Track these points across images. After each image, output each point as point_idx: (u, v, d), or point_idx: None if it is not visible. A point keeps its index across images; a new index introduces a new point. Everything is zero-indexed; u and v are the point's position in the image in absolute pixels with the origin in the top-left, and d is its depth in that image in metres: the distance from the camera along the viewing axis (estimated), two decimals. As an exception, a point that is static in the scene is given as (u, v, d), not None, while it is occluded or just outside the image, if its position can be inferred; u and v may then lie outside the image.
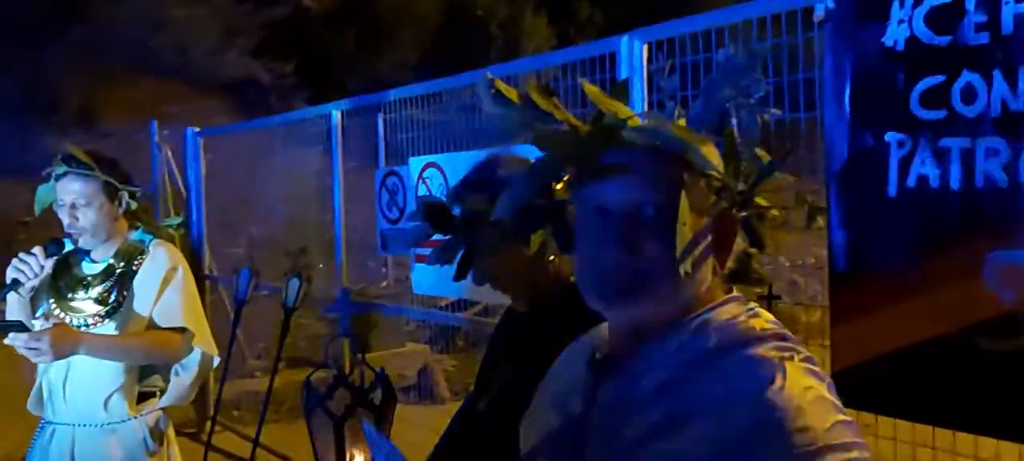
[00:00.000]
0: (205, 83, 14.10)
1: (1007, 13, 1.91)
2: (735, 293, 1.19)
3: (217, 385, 5.19)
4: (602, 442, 1.13)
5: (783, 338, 1.10)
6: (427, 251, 4.14)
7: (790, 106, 2.55)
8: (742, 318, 1.13)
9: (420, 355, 7.97)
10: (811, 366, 1.07)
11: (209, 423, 5.42)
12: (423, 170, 4.21)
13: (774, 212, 2.68)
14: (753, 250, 2.74)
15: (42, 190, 2.80)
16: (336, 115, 4.97)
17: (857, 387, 2.28)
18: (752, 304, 1.18)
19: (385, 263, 9.46)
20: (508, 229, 1.66)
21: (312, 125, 5.61)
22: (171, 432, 2.98)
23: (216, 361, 3.04)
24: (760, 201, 2.66)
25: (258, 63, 14.92)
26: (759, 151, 2.67)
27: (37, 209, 2.84)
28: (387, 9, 15.31)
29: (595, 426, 1.15)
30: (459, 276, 1.81)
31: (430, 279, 4.23)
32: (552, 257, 1.79)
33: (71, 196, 2.74)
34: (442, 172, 4.07)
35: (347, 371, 1.72)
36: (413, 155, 4.40)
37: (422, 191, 4.17)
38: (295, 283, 4.39)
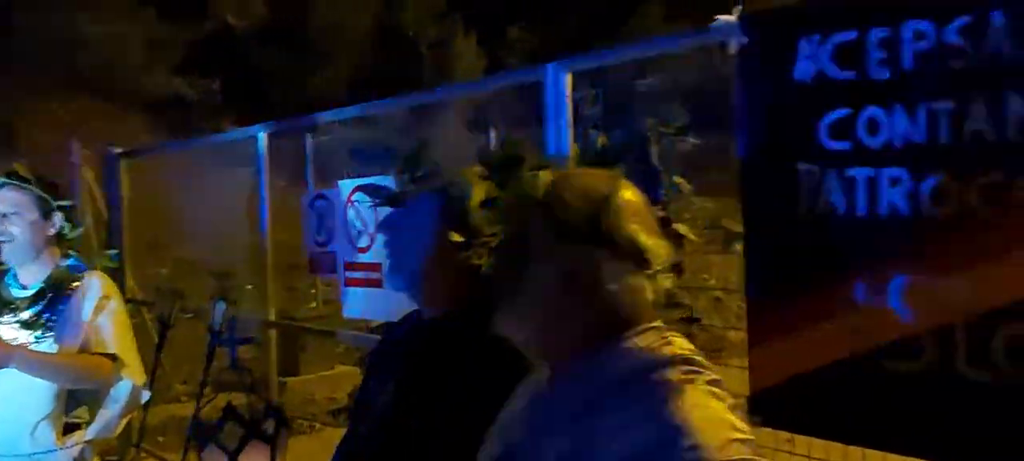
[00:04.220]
0: (129, 101, 13.78)
1: (906, 50, 2.02)
2: (654, 322, 1.25)
3: (141, 411, 5.08)
4: None
5: (690, 362, 1.17)
6: (358, 274, 4.15)
7: (710, 136, 2.64)
8: (655, 345, 1.19)
9: (351, 377, 7.90)
10: (714, 388, 1.14)
11: (133, 450, 5.29)
12: (352, 193, 4.21)
13: (693, 237, 2.76)
14: (674, 274, 2.81)
15: None
16: (263, 137, 4.93)
17: (775, 406, 2.37)
18: (669, 332, 1.24)
19: (314, 285, 9.35)
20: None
21: (240, 145, 5.55)
22: (95, 463, 2.94)
23: (146, 395, 3.03)
24: (679, 228, 2.74)
25: (183, 80, 14.65)
26: (677, 178, 2.75)
27: None
28: (316, 28, 15.20)
29: (523, 454, 1.21)
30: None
31: (361, 302, 4.21)
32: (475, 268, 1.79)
33: (3, 205, 2.75)
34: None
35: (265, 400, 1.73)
36: (344, 176, 4.39)
37: (351, 215, 4.16)
38: (221, 306, 4.32)
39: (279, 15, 14.86)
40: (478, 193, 1.69)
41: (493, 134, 4.44)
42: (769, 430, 2.42)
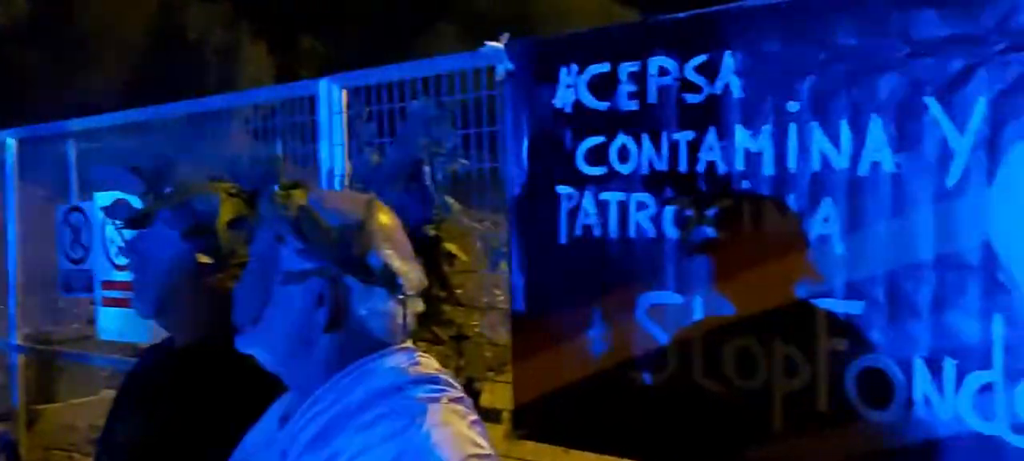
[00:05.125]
0: None
1: (652, 85, 2.17)
2: (404, 345, 1.25)
3: None
4: None
5: (435, 382, 1.18)
6: (114, 293, 3.88)
7: (481, 157, 2.69)
8: (402, 366, 1.20)
9: (116, 403, 7.35)
10: (458, 406, 1.17)
11: None
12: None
13: (462, 256, 2.79)
14: (444, 292, 2.83)
15: None
16: (11, 143, 4.53)
17: (537, 420, 2.45)
18: (420, 353, 1.24)
19: (78, 303, 8.63)
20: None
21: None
22: None
23: None
24: (449, 247, 2.76)
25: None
26: (449, 199, 2.78)
27: None
28: (86, 26, 14.13)
29: None
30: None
31: (117, 324, 3.95)
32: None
33: None
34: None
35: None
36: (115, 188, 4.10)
37: (110, 230, 3.89)
38: (-43, 330, 3.92)
39: (43, 12, 13.69)
40: (226, 211, 1.61)
41: (280, 145, 4.31)
42: (531, 443, 2.50)
